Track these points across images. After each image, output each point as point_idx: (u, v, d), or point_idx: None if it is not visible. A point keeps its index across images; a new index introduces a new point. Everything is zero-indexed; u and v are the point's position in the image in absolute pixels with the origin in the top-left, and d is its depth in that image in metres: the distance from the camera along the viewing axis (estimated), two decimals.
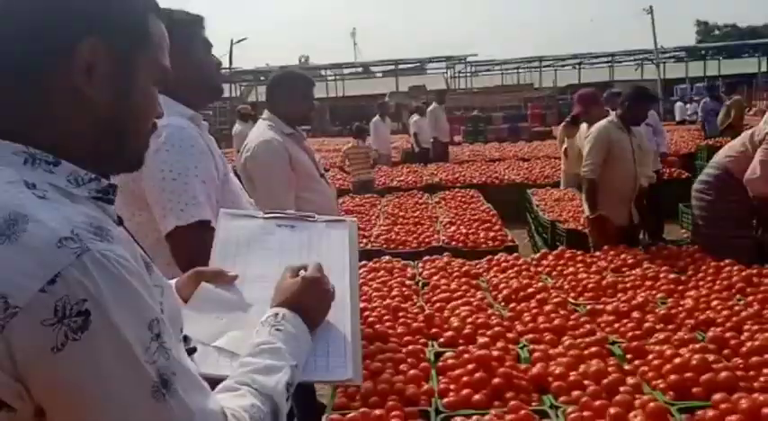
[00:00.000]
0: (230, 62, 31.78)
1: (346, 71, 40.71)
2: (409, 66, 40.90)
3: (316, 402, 2.93)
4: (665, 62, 35.53)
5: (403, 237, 4.95)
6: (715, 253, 3.73)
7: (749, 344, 2.43)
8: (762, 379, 2.19)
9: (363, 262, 4.03)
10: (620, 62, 39.76)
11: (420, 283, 3.59)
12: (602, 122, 4.66)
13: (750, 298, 3.05)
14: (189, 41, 1.64)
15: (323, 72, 39.81)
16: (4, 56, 0.73)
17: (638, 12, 31.68)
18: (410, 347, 2.60)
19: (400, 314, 3.00)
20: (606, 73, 38.62)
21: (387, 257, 4.08)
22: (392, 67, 39.49)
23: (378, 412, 2.08)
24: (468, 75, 40.79)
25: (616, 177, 4.49)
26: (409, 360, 2.48)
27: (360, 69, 45.63)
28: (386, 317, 2.95)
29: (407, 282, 3.57)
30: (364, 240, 4.99)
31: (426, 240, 4.83)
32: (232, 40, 33.01)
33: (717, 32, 55.90)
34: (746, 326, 2.62)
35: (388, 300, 3.19)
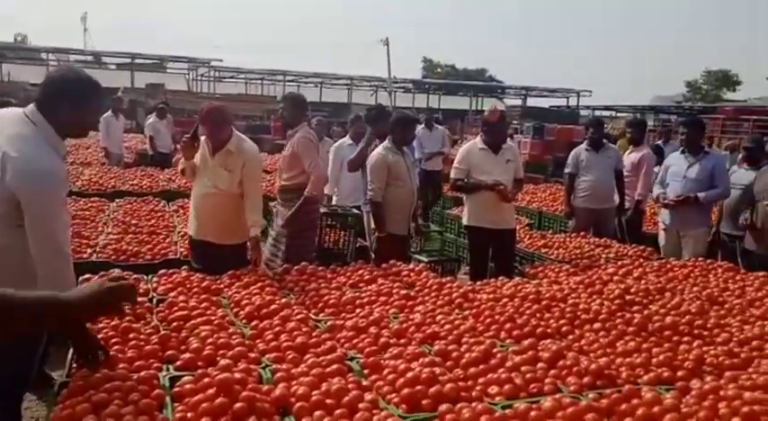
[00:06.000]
0: None
1: (73, 58, 36.52)
2: (148, 61, 38.42)
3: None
4: (396, 91, 38.88)
5: (135, 247, 4.55)
6: None
7: (467, 355, 2.71)
8: (478, 388, 2.45)
9: (87, 275, 3.60)
10: (358, 87, 42.44)
11: (155, 300, 3.31)
12: (378, 149, 4.97)
13: (466, 312, 3.42)
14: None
15: (44, 55, 35.29)
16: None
17: (377, 42, 34.16)
18: (142, 373, 2.37)
19: (131, 335, 2.73)
20: (345, 95, 40.94)
21: (116, 270, 3.70)
22: (128, 60, 36.65)
23: None
24: (212, 79, 39.77)
25: (398, 195, 4.94)
26: (140, 388, 2.25)
27: (90, 58, 41.40)
28: (114, 340, 2.65)
29: (140, 299, 3.26)
30: (89, 251, 4.47)
31: (162, 252, 4.51)
32: None
33: (439, 70, 63.01)
34: (465, 339, 2.92)
35: (116, 320, 2.87)
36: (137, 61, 36.54)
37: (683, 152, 5.69)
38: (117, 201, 6.54)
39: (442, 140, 10.22)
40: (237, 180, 4.11)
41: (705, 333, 3.15)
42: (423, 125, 9.77)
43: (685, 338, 3.06)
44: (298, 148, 4.96)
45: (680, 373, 2.65)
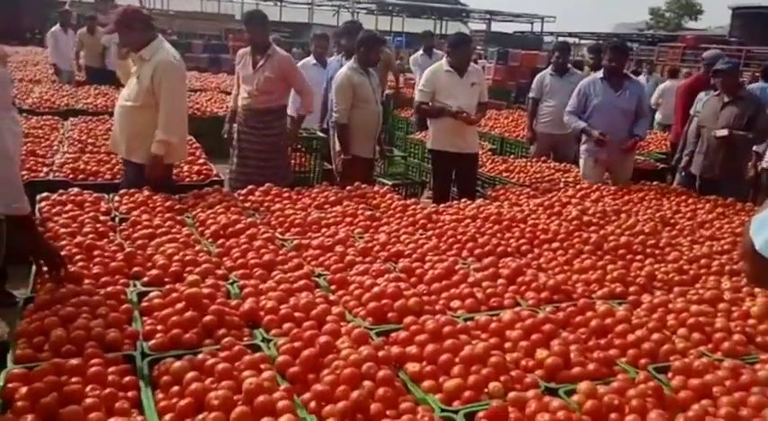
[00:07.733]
0: None
1: None
2: None
3: None
4: (359, 12, 37.71)
5: (94, 166, 4.44)
6: None
7: (431, 272, 2.78)
8: (441, 302, 2.54)
9: (46, 194, 3.52)
10: (319, 6, 40.95)
11: (117, 219, 3.28)
12: (343, 70, 4.88)
13: (430, 232, 3.49)
14: None
15: None
16: None
17: None
18: (109, 289, 2.38)
19: (95, 253, 2.72)
20: (306, 15, 39.52)
21: (75, 189, 3.63)
22: None
23: (74, 362, 1.86)
24: None
25: (364, 117, 4.88)
26: (108, 302, 2.27)
27: None
28: (78, 257, 2.64)
29: (102, 218, 3.23)
30: (45, 169, 4.34)
31: (123, 171, 4.40)
32: None
33: None
34: (428, 257, 2.99)
35: (79, 238, 2.85)
36: None
37: (604, 79, 5.13)
38: (71, 119, 6.31)
39: None
40: (145, 90, 3.79)
41: (657, 252, 3.30)
42: (422, 51, 9.43)
43: (638, 257, 3.20)
44: (283, 70, 4.81)
45: (632, 289, 2.79)
